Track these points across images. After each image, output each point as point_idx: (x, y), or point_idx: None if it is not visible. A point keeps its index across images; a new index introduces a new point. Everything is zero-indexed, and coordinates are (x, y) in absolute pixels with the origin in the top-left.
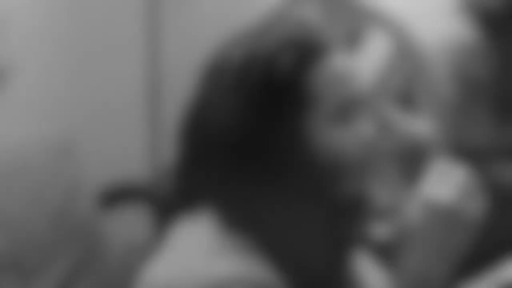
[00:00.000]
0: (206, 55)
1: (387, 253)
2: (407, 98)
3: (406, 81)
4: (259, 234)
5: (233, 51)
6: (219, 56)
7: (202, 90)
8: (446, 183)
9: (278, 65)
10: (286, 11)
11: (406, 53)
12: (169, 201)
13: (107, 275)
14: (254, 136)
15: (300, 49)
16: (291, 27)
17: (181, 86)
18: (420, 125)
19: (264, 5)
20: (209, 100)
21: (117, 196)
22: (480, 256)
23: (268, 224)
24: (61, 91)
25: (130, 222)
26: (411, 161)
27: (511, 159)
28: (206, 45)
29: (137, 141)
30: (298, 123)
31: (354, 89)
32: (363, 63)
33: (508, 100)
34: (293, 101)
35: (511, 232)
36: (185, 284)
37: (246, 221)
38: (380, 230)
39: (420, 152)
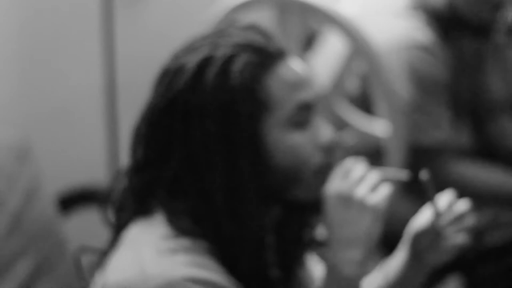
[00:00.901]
0: (160, 59)
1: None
2: (364, 95)
3: (362, 79)
4: (210, 237)
5: (188, 54)
6: (174, 59)
7: (156, 95)
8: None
9: (233, 67)
10: (236, 16)
11: (361, 52)
12: (123, 203)
13: (66, 277)
14: (207, 141)
15: (255, 51)
16: (246, 30)
17: (137, 89)
18: (377, 124)
19: (216, 10)
20: (161, 106)
21: (75, 199)
22: None
23: (220, 227)
24: (17, 95)
25: (89, 225)
26: (369, 160)
27: (466, 157)
28: (160, 48)
29: (95, 144)
30: (253, 128)
31: (310, 91)
32: (319, 63)
33: (458, 100)
34: (248, 106)
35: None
36: (137, 285)
37: (197, 225)
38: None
39: (377, 150)
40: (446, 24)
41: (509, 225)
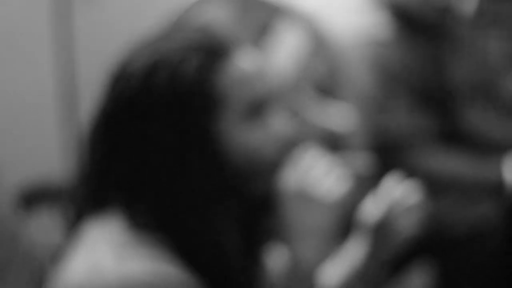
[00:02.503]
0: (114, 60)
1: None
2: (324, 90)
3: (322, 74)
4: (169, 234)
5: (138, 57)
6: (124, 63)
7: (109, 96)
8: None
9: (183, 68)
10: (191, 14)
11: (320, 47)
12: (80, 202)
13: (27, 276)
14: (161, 142)
15: (205, 52)
16: (195, 30)
17: (93, 88)
18: (338, 116)
19: (171, 7)
20: (116, 106)
21: (35, 197)
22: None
23: (179, 224)
24: None
25: (48, 223)
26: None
27: (433, 146)
28: (116, 47)
29: (53, 142)
30: (208, 124)
31: (263, 87)
32: (276, 58)
33: (425, 92)
34: (201, 103)
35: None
36: (95, 283)
37: (155, 221)
38: None
39: (338, 145)
40: (404, 21)
41: (475, 213)
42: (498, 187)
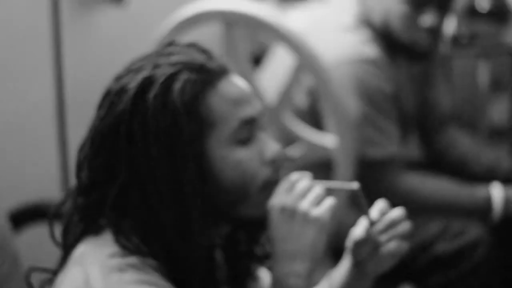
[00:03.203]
0: (106, 79)
1: None
2: (312, 111)
3: (311, 94)
4: (158, 255)
5: (127, 78)
6: (114, 83)
7: (99, 117)
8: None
9: (172, 89)
10: (181, 32)
11: (308, 67)
12: (71, 223)
13: None
14: (151, 161)
15: (194, 73)
16: (184, 51)
17: (86, 106)
18: (326, 137)
19: (161, 26)
20: (104, 127)
21: (27, 216)
22: None
23: (167, 245)
24: None
25: (40, 242)
26: (318, 173)
27: (414, 169)
28: (109, 64)
29: (47, 161)
30: (197, 145)
31: (252, 108)
32: (267, 79)
33: (406, 113)
34: (190, 125)
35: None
36: None
37: (144, 243)
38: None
39: (326, 163)
40: (386, 42)
41: (458, 235)
42: (486, 211)
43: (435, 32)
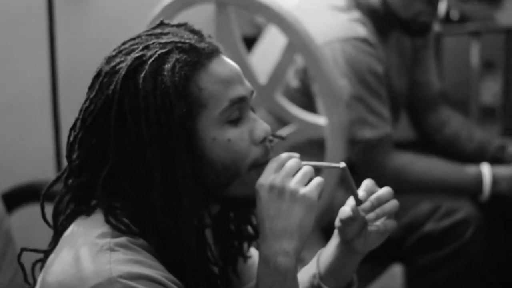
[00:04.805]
0: (98, 60)
1: None
2: (304, 90)
3: (301, 73)
4: (149, 235)
5: (118, 59)
6: (105, 64)
7: (90, 97)
8: None
9: (163, 69)
10: (177, 12)
11: (298, 46)
12: (62, 203)
13: (15, 273)
14: (142, 141)
15: (184, 53)
16: (174, 31)
17: (78, 88)
18: (317, 116)
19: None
20: (95, 108)
21: (21, 196)
22: None
23: (158, 225)
24: None
25: (34, 222)
26: (309, 151)
27: (404, 149)
28: (101, 46)
29: (42, 142)
30: (187, 125)
31: (242, 88)
32: (259, 58)
33: (396, 94)
34: (180, 104)
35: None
36: (74, 285)
37: (135, 223)
38: None
39: (317, 141)
40: (381, 21)
41: (448, 214)
42: (477, 189)
43: (434, 3)
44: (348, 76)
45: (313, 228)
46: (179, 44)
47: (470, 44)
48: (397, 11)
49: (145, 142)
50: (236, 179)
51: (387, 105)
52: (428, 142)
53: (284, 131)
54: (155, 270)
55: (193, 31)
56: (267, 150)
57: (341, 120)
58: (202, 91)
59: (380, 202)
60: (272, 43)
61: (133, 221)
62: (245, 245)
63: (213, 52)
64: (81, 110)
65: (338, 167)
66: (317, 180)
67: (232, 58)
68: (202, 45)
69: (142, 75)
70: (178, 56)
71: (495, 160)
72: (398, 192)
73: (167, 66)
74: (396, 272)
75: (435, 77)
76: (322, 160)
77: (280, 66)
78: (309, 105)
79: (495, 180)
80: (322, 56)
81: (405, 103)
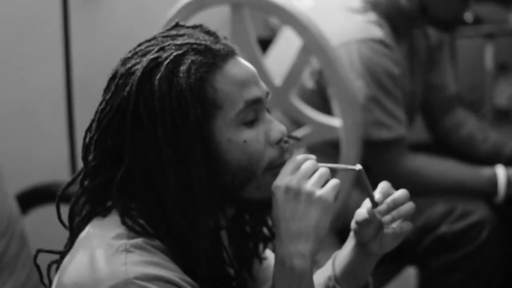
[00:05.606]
0: (113, 61)
1: None
2: (319, 91)
3: (316, 75)
4: (164, 236)
5: (134, 60)
6: (121, 66)
7: (105, 99)
8: None
9: (178, 71)
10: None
11: (314, 48)
12: (78, 205)
13: (28, 275)
14: (158, 143)
15: (200, 55)
16: (190, 33)
17: (93, 90)
18: (333, 117)
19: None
20: (111, 110)
21: (36, 198)
22: None
23: (173, 227)
24: None
25: (49, 224)
26: (324, 152)
27: (419, 151)
28: (116, 48)
29: (56, 143)
30: (202, 127)
31: (257, 90)
32: (275, 59)
33: (412, 96)
34: (196, 106)
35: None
36: (90, 285)
37: (150, 225)
38: None
39: (333, 143)
40: (398, 22)
41: (463, 216)
42: (492, 191)
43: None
44: (364, 77)
45: (328, 230)
46: (195, 46)
47: (484, 46)
48: (430, 5)
49: (161, 144)
50: (251, 181)
51: (403, 107)
52: (443, 144)
53: (299, 133)
54: (171, 272)
55: (208, 32)
56: (283, 151)
57: (356, 122)
58: (217, 93)
59: (396, 205)
60: (287, 45)
61: (148, 222)
62: (261, 246)
63: (229, 54)
64: (96, 112)
65: (355, 169)
66: (334, 182)
67: (247, 60)
68: (218, 46)
69: (157, 76)
70: (193, 58)
71: (510, 162)
72: (412, 194)
73: (183, 67)
74: (410, 274)
75: (451, 79)
76: (337, 162)
77: (295, 68)
78: (324, 107)
79: (510, 182)
80: (337, 58)
81: (420, 105)
